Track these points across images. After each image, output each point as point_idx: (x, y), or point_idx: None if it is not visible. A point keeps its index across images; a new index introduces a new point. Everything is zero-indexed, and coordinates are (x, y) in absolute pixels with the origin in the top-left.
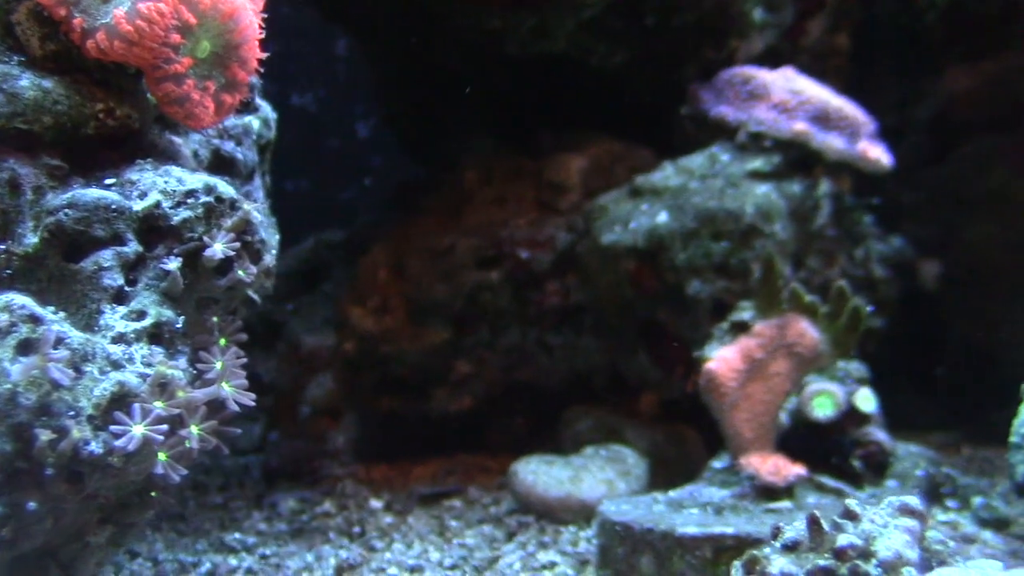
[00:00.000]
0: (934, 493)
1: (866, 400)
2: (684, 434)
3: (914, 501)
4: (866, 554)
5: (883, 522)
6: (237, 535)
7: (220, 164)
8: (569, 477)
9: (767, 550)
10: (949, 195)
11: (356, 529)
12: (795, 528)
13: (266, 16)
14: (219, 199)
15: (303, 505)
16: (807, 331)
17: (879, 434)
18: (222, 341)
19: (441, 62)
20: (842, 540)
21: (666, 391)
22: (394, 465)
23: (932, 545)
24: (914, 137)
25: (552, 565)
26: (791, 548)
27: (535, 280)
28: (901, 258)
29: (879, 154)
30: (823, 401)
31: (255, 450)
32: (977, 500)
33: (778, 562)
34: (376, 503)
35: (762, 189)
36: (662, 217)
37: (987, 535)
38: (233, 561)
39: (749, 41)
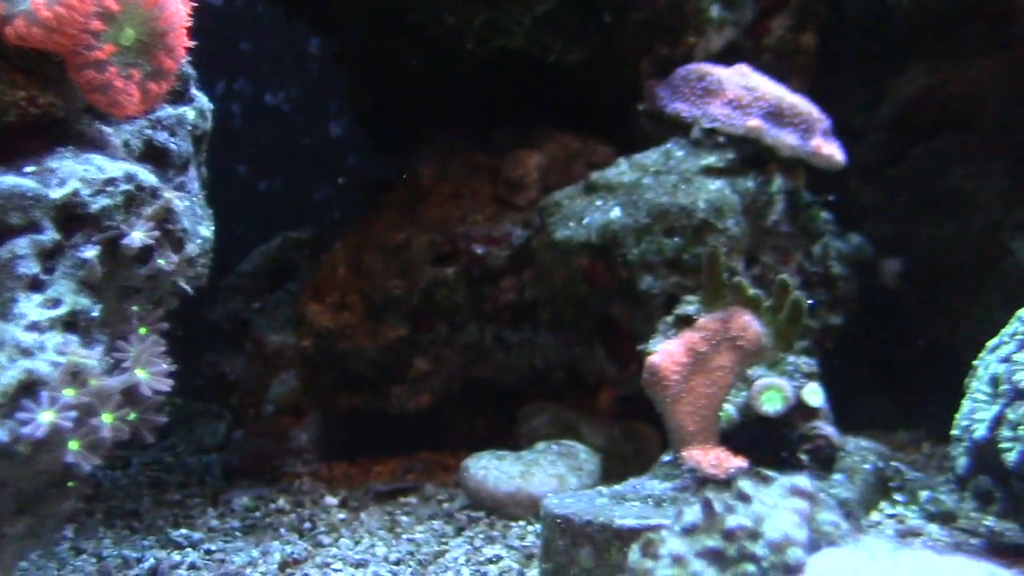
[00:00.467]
0: (882, 487)
1: (814, 394)
2: (640, 430)
3: (804, 482)
4: (754, 535)
5: (773, 503)
6: (184, 531)
7: (152, 154)
8: (520, 472)
9: (664, 533)
10: (908, 194)
11: (307, 525)
12: (694, 511)
13: (199, 9)
14: (139, 187)
15: (257, 502)
16: (750, 324)
17: (826, 428)
18: (142, 330)
19: (406, 59)
20: (731, 522)
21: (622, 387)
22: (356, 463)
23: (822, 527)
24: (876, 137)
25: (497, 559)
26: (688, 531)
27: (491, 276)
28: (860, 256)
29: (833, 151)
30: (772, 396)
31: (219, 448)
32: (924, 494)
33: (671, 544)
34: (331, 500)
35: (715, 185)
36: (615, 213)
37: (933, 528)
38: (177, 556)
39: (707, 38)
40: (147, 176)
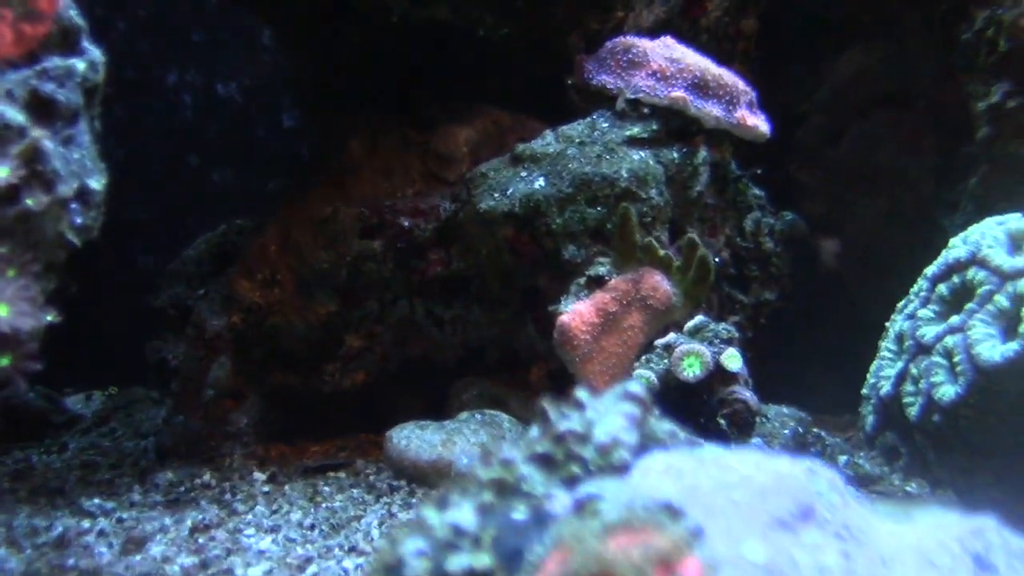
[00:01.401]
0: (801, 452)
1: (732, 360)
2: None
3: (635, 387)
4: (584, 439)
5: (605, 409)
6: (96, 500)
7: (38, 104)
8: (441, 441)
9: (505, 445)
10: (844, 174)
11: (227, 496)
12: (536, 427)
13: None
14: (6, 126)
15: (182, 477)
16: (660, 284)
17: (745, 393)
18: (10, 272)
19: (341, 37)
20: (562, 427)
21: (553, 361)
22: (293, 445)
23: (656, 433)
24: (815, 119)
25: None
26: (527, 443)
27: (418, 249)
28: (793, 232)
29: (757, 122)
30: (692, 362)
31: (157, 433)
32: (843, 459)
33: (505, 451)
34: (259, 475)
35: (638, 155)
36: (539, 183)
37: (849, 491)
38: (87, 524)
39: (636, 13)
40: (14, 115)
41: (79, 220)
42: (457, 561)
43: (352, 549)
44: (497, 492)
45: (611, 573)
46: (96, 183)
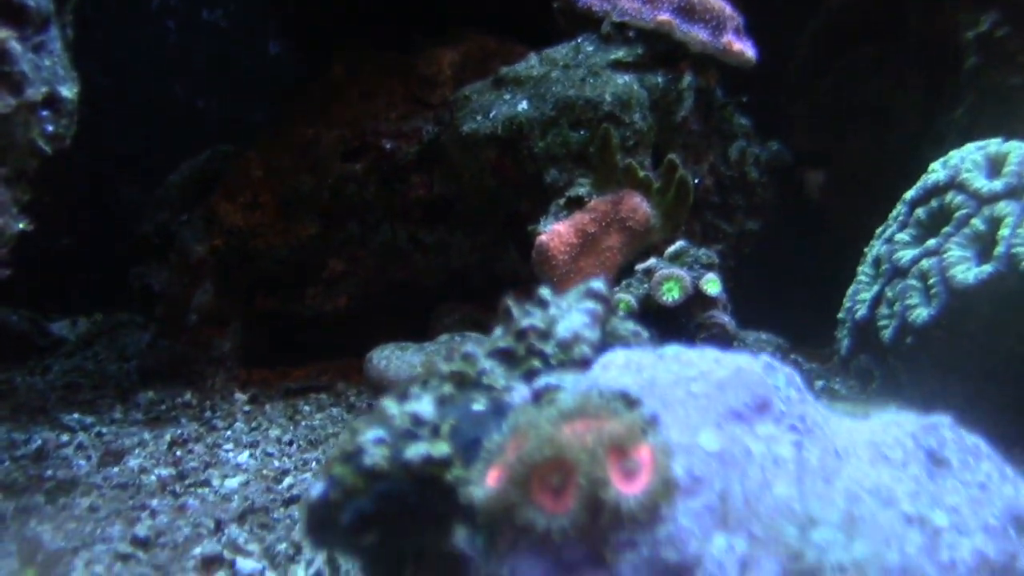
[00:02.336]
0: None
1: (711, 284)
2: None
3: (598, 284)
4: (545, 335)
5: (568, 306)
6: (76, 416)
7: (6, 7)
8: (421, 362)
9: (468, 343)
10: (831, 106)
11: (207, 414)
12: (500, 324)
13: None
14: None
15: (163, 397)
16: (640, 206)
17: (723, 317)
18: None
19: None
20: (524, 323)
21: (535, 286)
22: (276, 369)
23: (618, 330)
24: (805, 50)
25: None
26: (490, 340)
27: (400, 172)
28: (778, 162)
29: (743, 48)
30: (671, 286)
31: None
32: (819, 383)
33: (468, 346)
34: (240, 396)
35: (623, 79)
36: (522, 106)
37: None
38: (66, 438)
39: None
40: None
41: (50, 128)
42: (415, 449)
43: None
44: (458, 385)
45: (565, 457)
46: (68, 91)
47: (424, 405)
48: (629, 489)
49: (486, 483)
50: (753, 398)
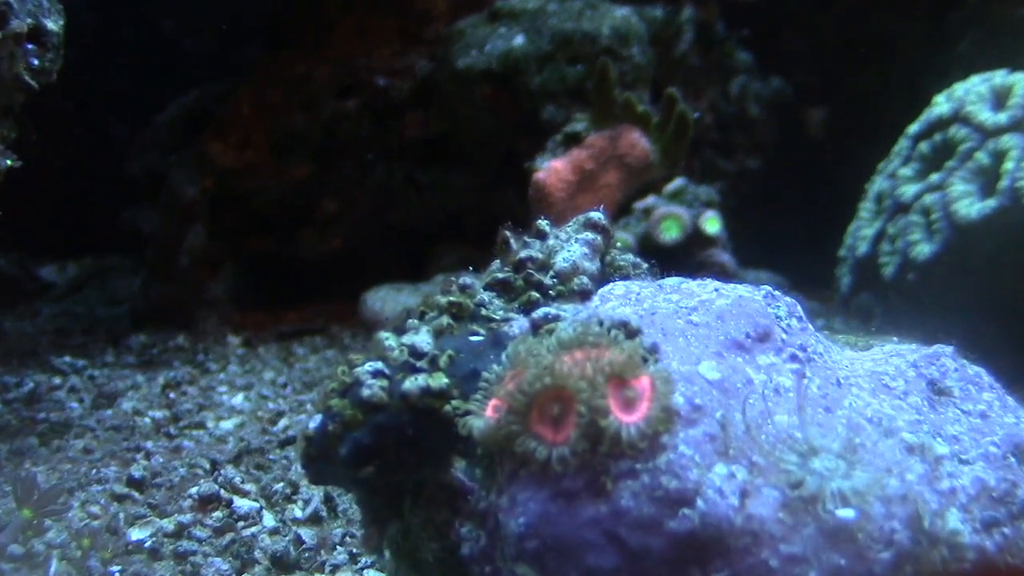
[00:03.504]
0: None
1: (711, 223)
2: None
3: (597, 215)
4: (544, 266)
5: (567, 237)
6: (67, 358)
7: None
8: (417, 303)
9: (463, 274)
10: (833, 41)
11: (200, 357)
12: (497, 256)
13: None
14: None
15: (155, 340)
16: (638, 141)
17: (722, 256)
18: None
19: None
20: (522, 254)
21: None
22: (270, 312)
23: (617, 261)
24: None
25: None
26: (488, 272)
27: (395, 109)
28: (780, 99)
29: None
30: (670, 225)
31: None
32: (819, 322)
33: (465, 278)
34: (233, 339)
35: (621, 12)
36: (518, 40)
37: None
38: (58, 380)
39: None
40: None
41: (36, 61)
42: (413, 381)
43: None
44: (455, 316)
45: (564, 387)
46: (53, 23)
47: (422, 337)
48: (629, 418)
49: (485, 414)
50: (754, 327)
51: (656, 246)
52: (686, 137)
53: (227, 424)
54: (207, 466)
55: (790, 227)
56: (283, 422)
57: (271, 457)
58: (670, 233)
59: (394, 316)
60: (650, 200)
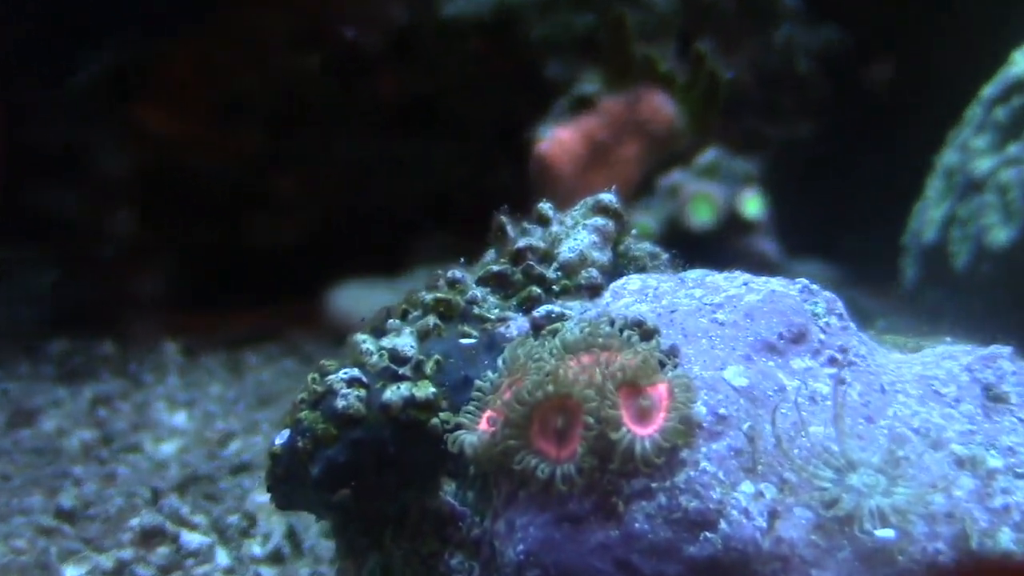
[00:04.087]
0: None
1: (751, 203)
2: None
3: (609, 197)
4: (547, 256)
5: (574, 223)
6: None
7: None
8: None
9: (457, 268)
10: None
11: (132, 368)
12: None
13: None
14: None
15: (77, 348)
16: (662, 106)
17: (764, 244)
18: None
19: None
20: (521, 242)
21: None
22: (216, 313)
23: (632, 251)
24: None
25: None
26: (482, 263)
27: (366, 67)
28: (833, 52)
29: None
30: (700, 206)
31: (45, 299)
32: (880, 323)
33: (454, 272)
34: (171, 346)
35: None
36: None
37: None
38: None
39: None
40: None
41: None
42: (395, 390)
43: None
44: (443, 315)
45: (569, 396)
46: None
47: (404, 339)
48: (644, 430)
49: (478, 428)
50: (788, 327)
51: (684, 232)
52: (717, 100)
53: (168, 447)
54: (147, 495)
55: (847, 208)
56: (234, 445)
57: (222, 486)
58: (701, 216)
59: (370, 317)
60: (676, 176)
